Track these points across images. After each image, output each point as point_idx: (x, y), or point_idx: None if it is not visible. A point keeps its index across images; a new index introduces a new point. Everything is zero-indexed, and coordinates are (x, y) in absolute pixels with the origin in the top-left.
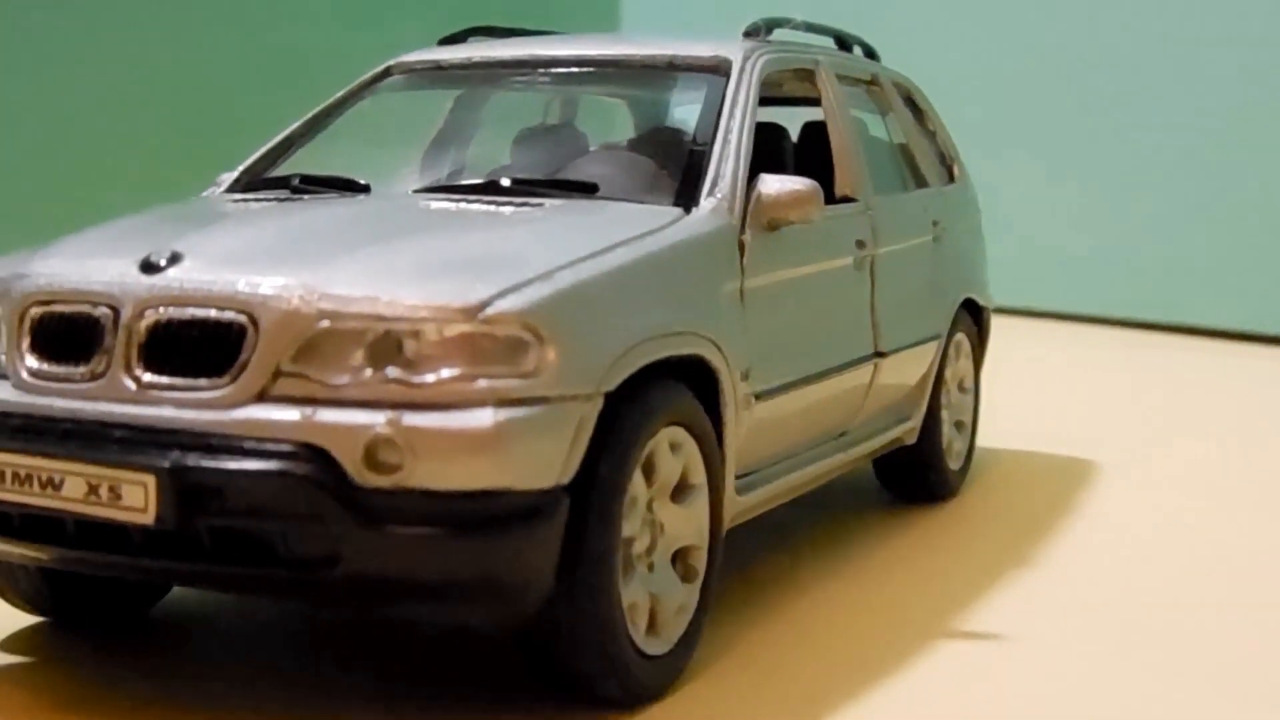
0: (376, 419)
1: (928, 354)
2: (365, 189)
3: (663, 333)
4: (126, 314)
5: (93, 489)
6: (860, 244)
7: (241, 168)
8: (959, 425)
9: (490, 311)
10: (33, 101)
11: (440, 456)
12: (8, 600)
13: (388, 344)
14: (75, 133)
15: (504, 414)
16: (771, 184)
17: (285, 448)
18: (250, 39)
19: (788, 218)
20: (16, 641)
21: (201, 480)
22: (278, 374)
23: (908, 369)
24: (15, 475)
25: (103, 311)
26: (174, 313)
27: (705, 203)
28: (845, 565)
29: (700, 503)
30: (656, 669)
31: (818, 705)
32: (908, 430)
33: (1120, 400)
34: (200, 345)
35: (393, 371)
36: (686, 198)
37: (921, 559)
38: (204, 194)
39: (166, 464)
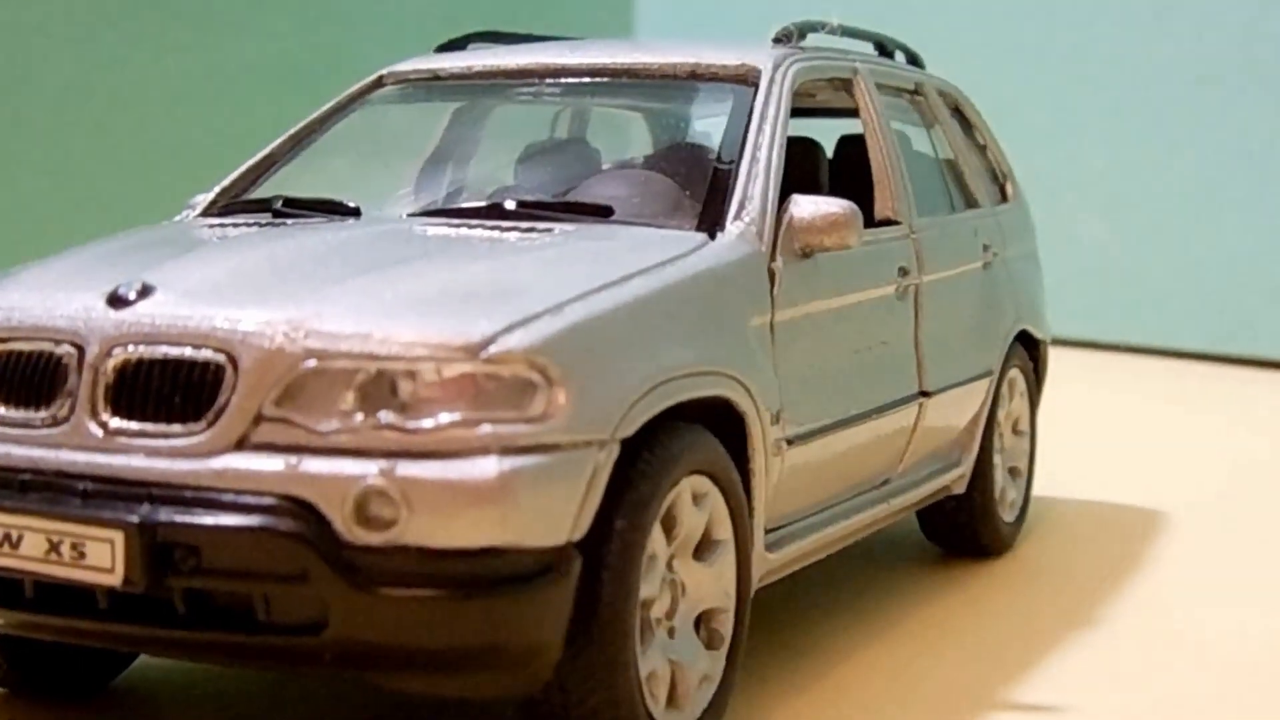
0: (368, 469)
1: (978, 393)
2: (355, 212)
3: (685, 372)
4: (92, 353)
5: (53, 546)
6: (903, 271)
7: (218, 189)
8: (1013, 472)
9: (494, 350)
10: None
11: (439, 511)
12: None
13: (381, 386)
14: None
15: (509, 463)
16: (805, 206)
17: (267, 501)
18: (232, 43)
19: (823, 243)
20: None
21: (174, 537)
22: (259, 419)
23: (956, 410)
24: None
25: (66, 350)
26: (145, 351)
27: (732, 227)
28: (887, 628)
29: (726, 561)
30: None
31: None
32: (956, 478)
33: (1191, 442)
34: (174, 387)
35: (386, 416)
36: (711, 222)
37: (971, 622)
38: (177, 218)
39: (135, 519)
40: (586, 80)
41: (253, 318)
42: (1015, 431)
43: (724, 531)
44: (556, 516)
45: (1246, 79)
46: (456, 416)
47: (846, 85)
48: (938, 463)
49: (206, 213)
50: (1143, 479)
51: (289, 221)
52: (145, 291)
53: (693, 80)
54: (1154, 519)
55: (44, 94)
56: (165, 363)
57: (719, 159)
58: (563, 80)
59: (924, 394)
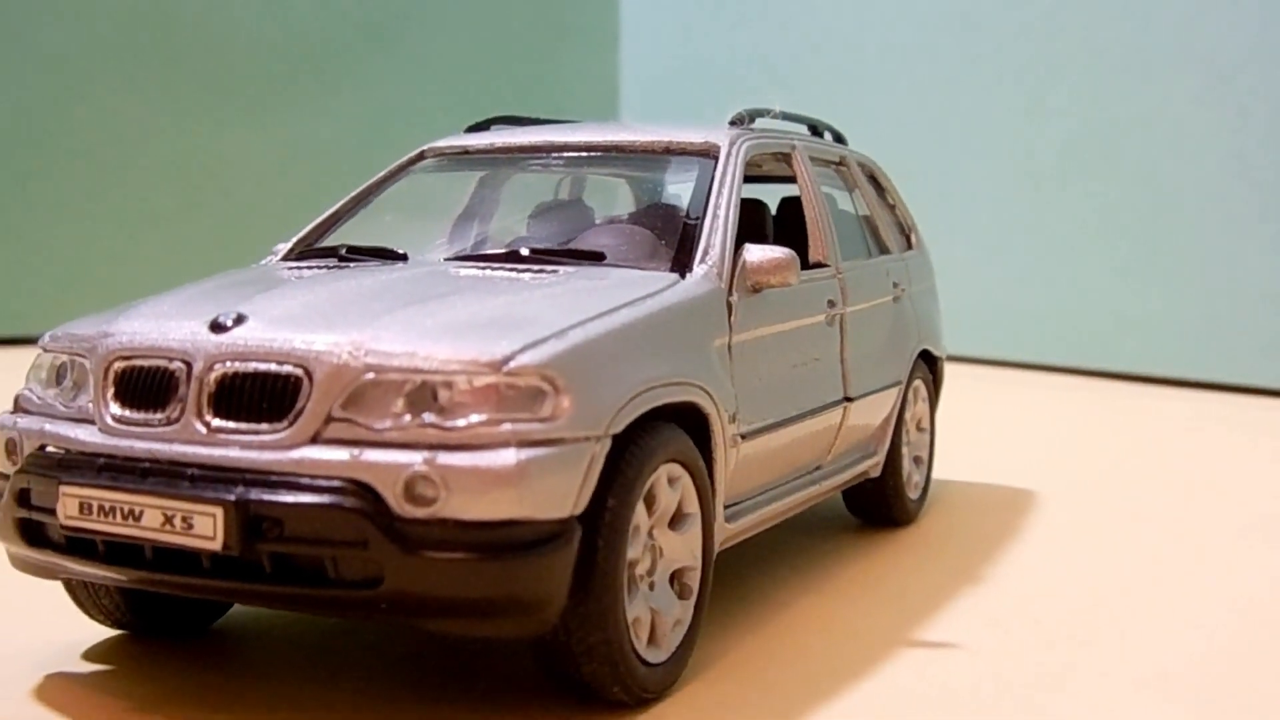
0: (415, 459)
1: (890, 398)
2: (403, 257)
3: (662, 382)
4: (198, 368)
5: (168, 519)
6: (831, 303)
7: (295, 238)
8: (917, 460)
9: (513, 365)
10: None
11: (470, 491)
12: (89, 615)
13: (424, 393)
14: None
15: (525, 454)
16: (755, 253)
17: (336, 483)
18: (299, 125)
19: (769, 282)
20: (97, 652)
21: (263, 512)
22: (329, 419)
23: (873, 411)
24: (100, 508)
25: (177, 366)
26: (239, 366)
27: (698, 269)
28: (820, 583)
29: (694, 529)
30: (657, 675)
31: (798, 706)
32: (873, 465)
33: (1061, 439)
34: (262, 395)
35: (428, 417)
36: (681, 265)
37: (886, 578)
38: (263, 261)
39: (232, 497)
40: (584, 154)
41: (324, 340)
42: (919, 428)
43: (692, 506)
44: (562, 495)
45: (1097, 156)
46: (483, 417)
47: (786, 158)
48: (859, 453)
49: (286, 257)
50: (1020, 467)
51: (351, 265)
52: (239, 320)
53: (667, 154)
54: (1028, 497)
55: (149, 164)
56: (255, 375)
57: (688, 216)
58: (565, 154)
59: (848, 399)
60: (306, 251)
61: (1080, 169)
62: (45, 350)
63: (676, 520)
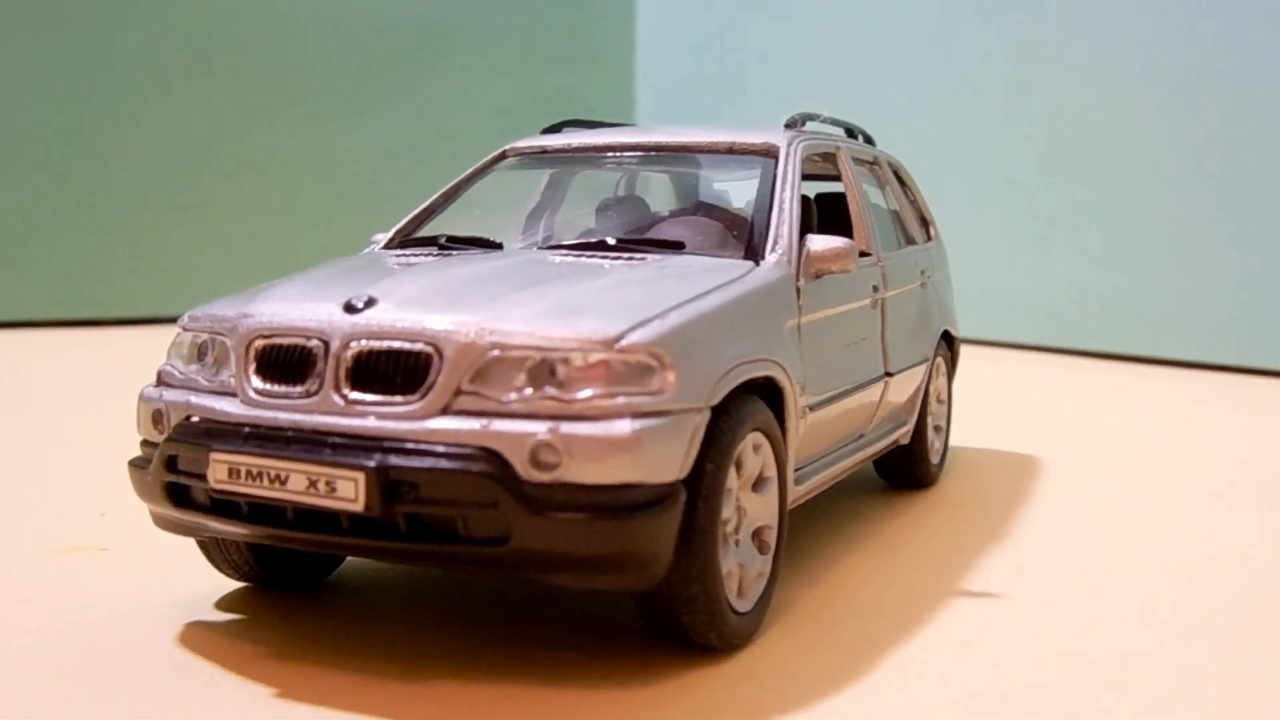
0: (539, 428)
1: (919, 374)
2: (499, 246)
3: (749, 359)
4: (335, 345)
5: (312, 483)
6: (875, 289)
7: (395, 229)
8: (937, 429)
9: (625, 343)
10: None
11: (590, 457)
12: (219, 569)
13: (544, 369)
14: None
15: (639, 424)
16: (817, 242)
17: (468, 450)
18: (359, 129)
19: (830, 268)
20: (227, 602)
21: (400, 476)
22: (458, 392)
23: (906, 385)
24: (248, 472)
25: (314, 344)
26: (373, 344)
27: (769, 257)
28: (861, 541)
29: (773, 491)
30: (744, 623)
31: (866, 649)
32: (904, 433)
33: (1041, 409)
34: (395, 370)
35: (549, 390)
36: (754, 253)
37: (919, 534)
38: (367, 250)
39: (373, 463)
40: (653, 154)
41: (451, 321)
42: (939, 400)
43: (771, 470)
44: (670, 461)
45: (1075, 160)
46: (599, 390)
47: (832, 158)
48: (893, 422)
49: (389, 246)
50: (1013, 435)
51: (453, 253)
52: (370, 302)
53: (730, 154)
54: (1033, 461)
55: (214, 165)
56: (388, 353)
57: (755, 208)
58: (636, 153)
59: (888, 374)
60: (407, 241)
61: (1054, 171)
62: (185, 330)
63: (758, 483)
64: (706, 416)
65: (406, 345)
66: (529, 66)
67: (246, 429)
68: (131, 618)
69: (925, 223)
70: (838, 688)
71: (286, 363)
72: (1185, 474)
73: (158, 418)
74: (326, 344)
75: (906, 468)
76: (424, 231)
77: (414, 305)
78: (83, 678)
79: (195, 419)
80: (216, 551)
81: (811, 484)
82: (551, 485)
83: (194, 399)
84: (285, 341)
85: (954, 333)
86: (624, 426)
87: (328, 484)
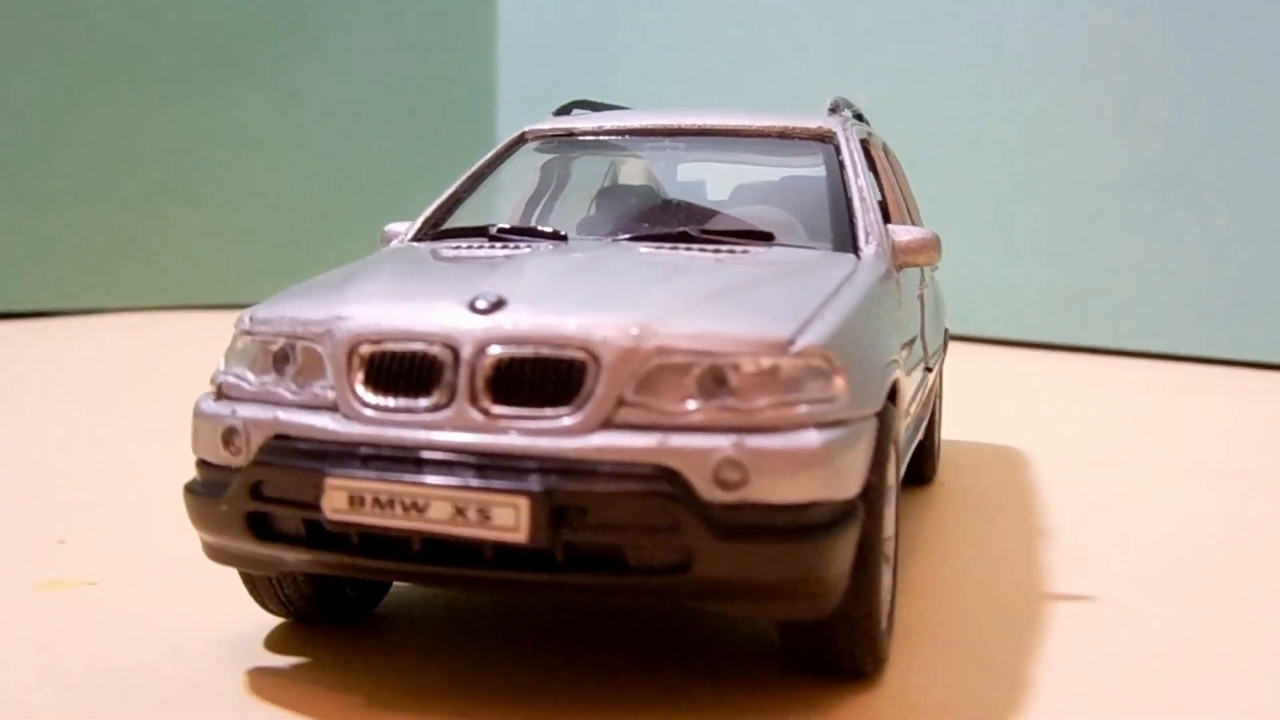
0: (723, 442)
1: (937, 367)
2: (563, 238)
3: (890, 358)
4: (467, 352)
5: (459, 511)
6: (921, 281)
7: (421, 219)
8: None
9: (799, 345)
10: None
11: (777, 473)
12: (264, 605)
13: (714, 375)
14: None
15: (826, 435)
16: (902, 233)
17: (644, 470)
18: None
19: (916, 260)
20: (278, 640)
21: (568, 501)
22: (620, 403)
23: (934, 380)
24: (375, 500)
25: (440, 350)
26: (515, 350)
27: (867, 249)
28: (906, 543)
29: (894, 500)
30: (887, 641)
31: (995, 661)
32: (924, 428)
33: (1008, 398)
34: (544, 379)
35: (723, 399)
36: (849, 244)
37: (955, 535)
38: (394, 243)
39: (539, 487)
40: (697, 138)
41: (608, 323)
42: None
43: (893, 478)
44: (853, 474)
45: (1063, 156)
46: (777, 398)
47: (865, 145)
48: (924, 418)
49: (419, 238)
50: (986, 426)
51: (518, 245)
52: (499, 302)
53: (781, 138)
54: (1011, 453)
55: (56, 147)
56: (535, 360)
57: (831, 197)
58: (680, 138)
59: (928, 369)
60: (444, 232)
61: (1015, 178)
62: (249, 334)
63: None
64: (874, 424)
65: (555, 352)
66: (391, 46)
67: (365, 449)
68: (175, 662)
69: (914, 214)
70: (1012, 714)
71: (403, 372)
72: (1158, 457)
73: (230, 437)
74: (455, 350)
75: (915, 463)
76: (455, 220)
77: (552, 305)
78: None
79: (289, 438)
80: (266, 586)
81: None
82: (738, 506)
83: (283, 415)
84: (401, 348)
85: (948, 327)
86: (812, 438)
87: (479, 511)
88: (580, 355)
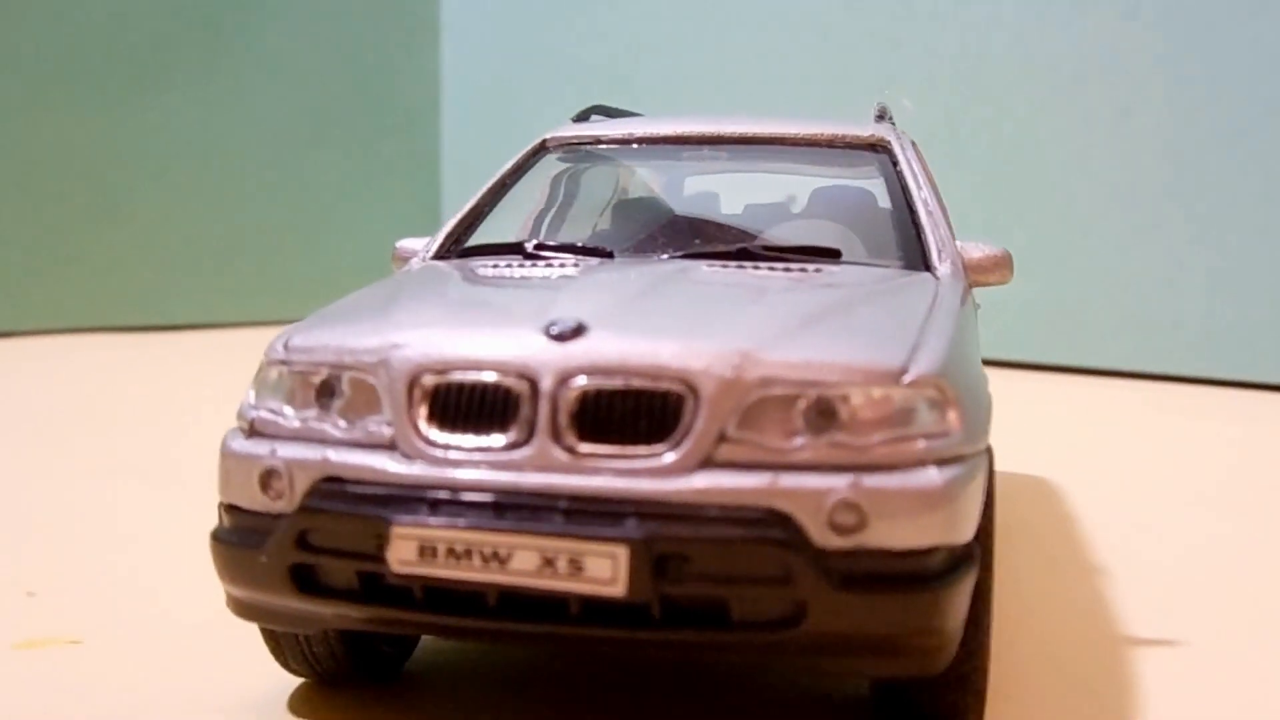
0: (838, 482)
1: None
2: (609, 254)
3: (985, 384)
4: (547, 384)
5: (547, 562)
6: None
7: (442, 235)
8: None
9: (912, 375)
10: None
11: (897, 516)
12: (287, 664)
13: (822, 408)
14: None
15: (947, 473)
16: (973, 250)
17: (753, 514)
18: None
19: (988, 280)
20: (301, 701)
21: (669, 549)
22: (721, 439)
23: None
24: (450, 550)
25: (513, 381)
26: (602, 382)
27: (941, 267)
28: None
29: None
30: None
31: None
32: None
33: (1038, 427)
34: (636, 414)
35: (834, 435)
36: (919, 262)
37: (1001, 567)
38: (414, 262)
39: (639, 534)
40: (742, 146)
41: (709, 353)
42: None
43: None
44: (971, 516)
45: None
46: (894, 433)
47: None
48: None
49: (442, 256)
50: (1017, 454)
51: (558, 263)
52: (580, 329)
53: (831, 147)
54: (1012, 478)
55: None
56: (626, 393)
57: (895, 211)
58: (721, 146)
59: None
60: (470, 249)
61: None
62: (284, 364)
63: None
64: (986, 461)
65: (649, 384)
66: (326, 47)
67: (436, 494)
68: None
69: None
70: None
71: (472, 406)
72: (1183, 485)
73: (269, 479)
74: (533, 382)
75: None
76: (480, 237)
77: (638, 331)
78: None
79: (341, 480)
80: (291, 645)
81: None
82: (853, 552)
83: (333, 455)
84: (470, 379)
85: None
86: (934, 477)
87: (571, 562)
88: (677, 387)
